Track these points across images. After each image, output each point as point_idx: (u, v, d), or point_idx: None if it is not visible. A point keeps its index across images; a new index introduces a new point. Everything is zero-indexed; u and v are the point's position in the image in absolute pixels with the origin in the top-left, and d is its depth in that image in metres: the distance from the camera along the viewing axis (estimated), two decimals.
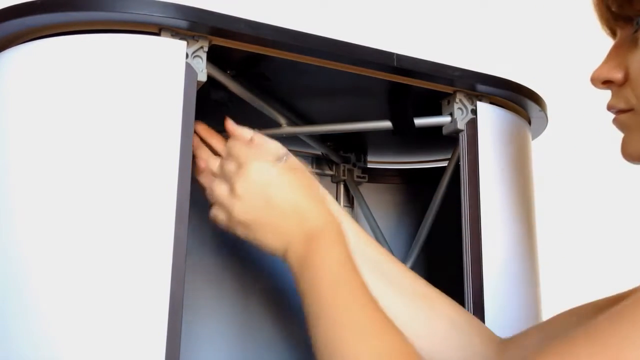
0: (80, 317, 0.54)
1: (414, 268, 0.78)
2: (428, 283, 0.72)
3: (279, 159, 0.64)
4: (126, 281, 0.55)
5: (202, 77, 0.61)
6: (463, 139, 0.75)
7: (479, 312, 0.71)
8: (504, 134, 0.78)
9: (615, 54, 0.56)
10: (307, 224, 0.61)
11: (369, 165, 1.04)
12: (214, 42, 0.63)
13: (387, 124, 0.81)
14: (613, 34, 0.58)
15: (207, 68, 0.62)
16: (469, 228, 0.72)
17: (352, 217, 0.87)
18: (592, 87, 0.58)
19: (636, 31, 0.54)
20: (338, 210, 0.70)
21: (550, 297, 0.86)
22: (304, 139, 0.89)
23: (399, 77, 0.73)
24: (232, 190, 0.62)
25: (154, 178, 0.57)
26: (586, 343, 0.42)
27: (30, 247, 0.56)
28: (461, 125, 0.75)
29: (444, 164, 0.92)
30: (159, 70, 0.59)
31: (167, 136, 0.58)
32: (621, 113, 0.57)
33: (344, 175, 1.01)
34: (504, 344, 0.67)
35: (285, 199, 0.61)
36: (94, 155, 0.57)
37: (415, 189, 1.07)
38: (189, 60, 0.61)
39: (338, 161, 1.01)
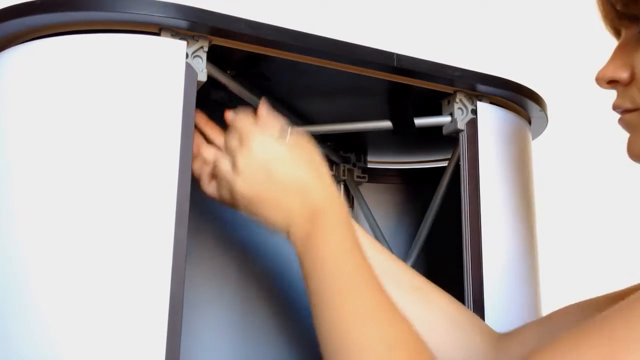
0: (81, 317, 0.54)
1: (413, 268, 0.78)
2: (425, 279, 0.71)
3: (283, 134, 0.62)
4: (126, 281, 0.55)
5: (202, 77, 0.61)
6: (463, 139, 0.75)
7: (479, 311, 0.71)
8: (504, 134, 0.78)
9: (621, 53, 0.56)
10: (310, 201, 0.59)
11: (369, 165, 1.04)
12: (214, 42, 0.63)
13: (387, 124, 0.81)
14: (617, 33, 0.58)
15: (207, 68, 0.62)
16: (469, 228, 0.72)
17: (352, 217, 0.87)
18: (597, 86, 0.58)
19: None
20: None
21: (550, 297, 0.86)
22: None
23: (399, 77, 0.73)
24: (234, 165, 0.61)
25: (154, 178, 0.57)
26: (589, 339, 0.42)
27: (31, 247, 0.56)
28: (461, 125, 0.75)
29: (444, 164, 0.92)
30: (159, 70, 0.59)
31: (167, 136, 0.58)
32: (627, 113, 0.56)
33: (344, 175, 1.01)
34: (502, 339, 0.66)
35: (288, 174, 0.60)
36: (94, 155, 0.57)
37: (415, 189, 1.07)
38: (189, 60, 0.61)
39: (338, 161, 1.01)
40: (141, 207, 0.56)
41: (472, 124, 0.75)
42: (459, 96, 0.76)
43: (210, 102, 0.71)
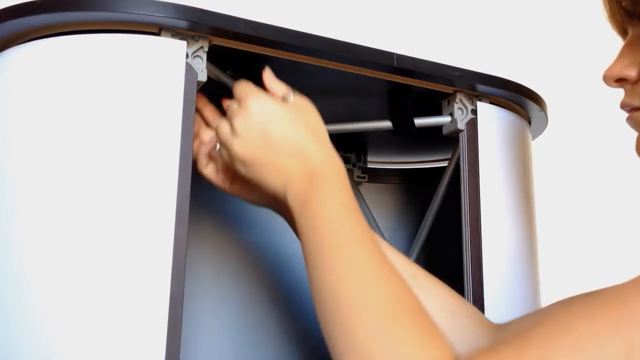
0: (81, 316, 0.54)
1: None
2: (420, 267, 0.71)
3: (284, 97, 0.62)
4: (126, 281, 0.55)
5: (202, 77, 0.61)
6: (463, 139, 0.75)
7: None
8: (504, 134, 0.78)
9: (628, 51, 0.56)
10: (307, 163, 0.59)
11: (369, 165, 1.04)
12: (214, 42, 0.63)
13: (387, 124, 0.81)
14: (624, 32, 0.58)
15: (207, 68, 0.62)
16: (469, 228, 0.72)
17: None
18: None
19: None
20: None
21: (550, 297, 0.86)
22: None
23: (399, 77, 0.73)
24: (232, 128, 0.61)
25: (154, 178, 0.57)
26: (584, 318, 0.43)
27: (31, 246, 0.56)
28: (461, 125, 0.75)
29: (444, 164, 0.92)
30: (159, 70, 0.59)
31: (167, 136, 0.58)
32: (635, 111, 0.57)
33: None
34: (500, 329, 0.66)
35: (285, 136, 0.59)
36: (94, 155, 0.57)
37: (415, 189, 1.07)
38: (189, 60, 0.61)
39: None
40: (141, 207, 0.56)
41: (472, 124, 0.75)
42: (459, 96, 0.76)
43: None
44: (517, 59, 1.44)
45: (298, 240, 0.58)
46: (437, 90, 0.76)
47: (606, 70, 0.57)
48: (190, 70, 0.60)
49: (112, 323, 0.54)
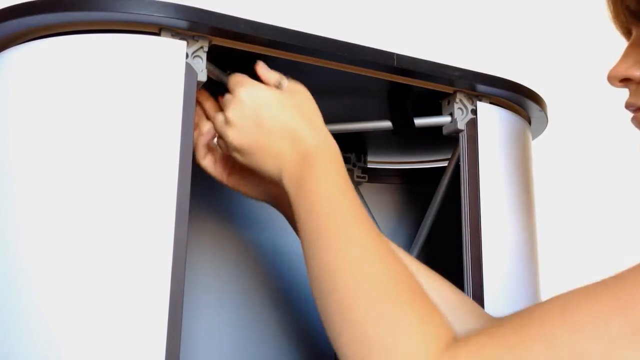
0: (81, 317, 0.54)
1: None
2: (421, 262, 0.71)
3: (278, 84, 0.63)
4: (126, 281, 0.55)
5: (202, 77, 0.61)
6: (463, 139, 0.75)
7: None
8: (504, 134, 0.78)
9: (632, 52, 0.56)
10: (300, 145, 0.59)
11: (369, 165, 1.04)
12: (214, 42, 0.63)
13: (387, 124, 0.81)
14: (628, 32, 0.58)
15: (207, 68, 0.62)
16: (469, 228, 0.72)
17: None
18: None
19: None
20: None
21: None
22: None
23: (399, 77, 0.73)
24: (226, 118, 0.62)
25: (154, 178, 0.57)
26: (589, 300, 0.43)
27: (31, 246, 0.56)
28: (461, 125, 0.75)
29: (444, 164, 0.92)
30: (159, 70, 0.59)
31: (167, 136, 0.58)
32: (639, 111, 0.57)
33: None
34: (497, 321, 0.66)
35: (277, 120, 0.60)
36: (94, 155, 0.57)
37: (415, 189, 1.07)
38: (189, 60, 0.61)
39: None
40: (141, 207, 0.56)
41: (472, 124, 0.75)
42: (459, 96, 0.76)
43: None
44: (517, 59, 1.44)
45: (298, 239, 0.58)
46: (437, 90, 0.76)
47: (610, 70, 0.57)
48: (190, 70, 0.60)
49: (112, 322, 0.54)
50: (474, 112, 0.76)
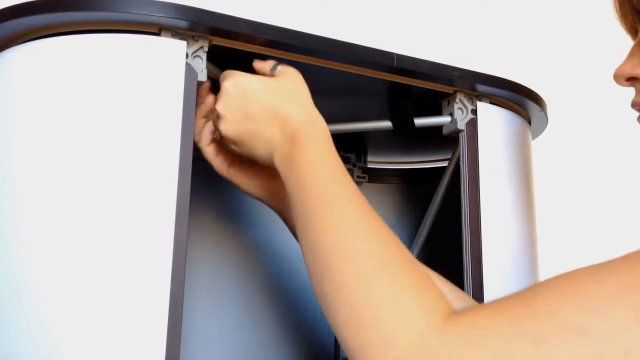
0: (81, 317, 0.54)
1: None
2: (419, 261, 0.70)
3: (270, 71, 0.64)
4: (126, 281, 0.55)
5: (202, 77, 0.61)
6: (463, 139, 0.75)
7: None
8: (504, 134, 0.78)
9: (639, 51, 0.56)
10: (287, 125, 0.59)
11: (369, 165, 1.04)
12: (214, 42, 0.63)
13: (387, 124, 0.81)
14: (634, 32, 0.58)
15: (207, 68, 0.62)
16: (469, 228, 0.72)
17: None
18: (616, 84, 0.58)
19: None
20: None
21: None
22: None
23: (399, 77, 0.73)
24: (217, 112, 0.63)
25: (154, 178, 0.57)
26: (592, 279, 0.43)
27: (31, 246, 0.56)
28: (461, 125, 0.75)
29: (444, 164, 0.92)
30: (159, 70, 0.59)
31: (167, 136, 0.58)
32: None
33: None
34: None
35: (262, 104, 0.60)
36: (94, 155, 0.57)
37: (415, 189, 1.07)
38: (189, 60, 0.61)
39: None
40: (141, 207, 0.56)
41: (472, 124, 0.75)
42: (459, 96, 0.76)
43: None
44: (517, 59, 1.44)
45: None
46: (437, 90, 0.76)
47: (617, 69, 0.57)
48: (190, 70, 0.60)
49: (112, 323, 0.54)
50: (474, 112, 0.76)
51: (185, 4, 0.60)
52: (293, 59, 0.67)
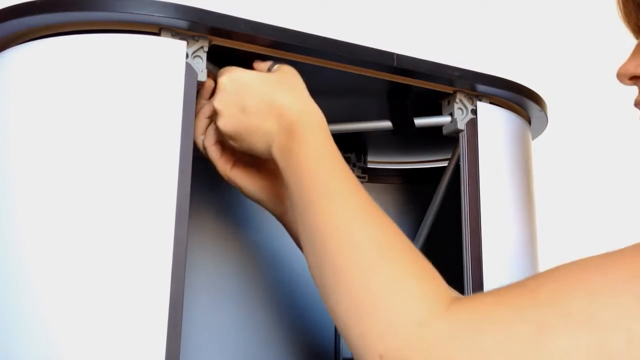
0: (81, 317, 0.54)
1: None
2: None
3: (268, 69, 0.64)
4: (126, 281, 0.55)
5: (202, 77, 0.61)
6: (463, 139, 0.75)
7: None
8: (504, 134, 0.78)
9: None
10: (285, 118, 0.59)
11: (369, 165, 1.04)
12: (214, 42, 0.63)
13: (387, 124, 0.81)
14: (638, 30, 0.58)
15: (207, 68, 0.62)
16: (469, 228, 0.72)
17: None
18: (619, 83, 0.58)
19: None
20: None
21: None
22: None
23: (399, 77, 0.73)
24: (215, 109, 0.63)
25: (154, 178, 0.57)
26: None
27: (31, 246, 0.56)
28: (461, 125, 0.75)
29: (444, 164, 0.92)
30: (159, 70, 0.59)
31: (167, 136, 0.58)
32: None
33: None
34: None
35: (257, 98, 0.60)
36: (94, 155, 0.57)
37: (415, 189, 1.07)
38: (189, 60, 0.61)
39: None
40: (141, 207, 0.56)
41: (472, 124, 0.75)
42: (459, 96, 0.76)
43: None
44: (517, 59, 1.44)
45: None
46: (437, 90, 0.76)
47: (620, 68, 0.57)
48: (190, 70, 0.60)
49: (112, 323, 0.54)
50: (474, 112, 0.76)
51: (185, 4, 0.60)
52: (293, 59, 0.67)
